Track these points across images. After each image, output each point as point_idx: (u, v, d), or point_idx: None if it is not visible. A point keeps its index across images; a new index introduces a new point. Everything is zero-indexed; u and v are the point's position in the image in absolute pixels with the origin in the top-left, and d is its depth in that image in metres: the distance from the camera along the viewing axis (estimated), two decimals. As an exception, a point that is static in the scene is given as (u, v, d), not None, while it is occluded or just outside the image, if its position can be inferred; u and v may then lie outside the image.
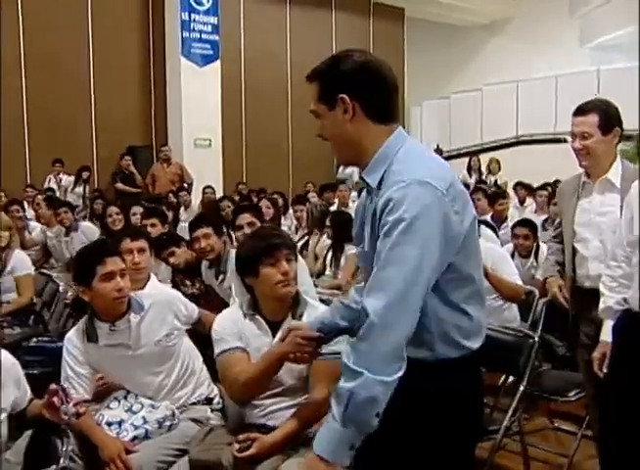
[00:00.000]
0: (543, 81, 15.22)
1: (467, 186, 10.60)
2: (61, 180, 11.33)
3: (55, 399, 2.33)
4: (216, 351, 2.68)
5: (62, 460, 2.39)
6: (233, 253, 3.66)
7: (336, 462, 1.71)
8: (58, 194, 10.71)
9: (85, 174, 11.51)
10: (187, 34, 12.74)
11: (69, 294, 4.67)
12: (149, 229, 4.97)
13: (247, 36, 14.27)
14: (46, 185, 11.16)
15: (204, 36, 12.93)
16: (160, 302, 3.07)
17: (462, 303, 1.86)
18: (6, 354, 2.55)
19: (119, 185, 11.16)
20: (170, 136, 12.99)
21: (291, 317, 2.67)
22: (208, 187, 10.97)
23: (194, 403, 3.02)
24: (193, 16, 12.80)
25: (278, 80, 14.56)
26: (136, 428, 2.72)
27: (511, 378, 3.44)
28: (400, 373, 1.69)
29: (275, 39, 14.67)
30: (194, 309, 3.23)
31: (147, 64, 13.27)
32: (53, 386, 2.41)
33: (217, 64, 13.08)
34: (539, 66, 15.61)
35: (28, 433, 2.58)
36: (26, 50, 11.77)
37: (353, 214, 2.18)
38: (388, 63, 1.91)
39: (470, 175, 12.31)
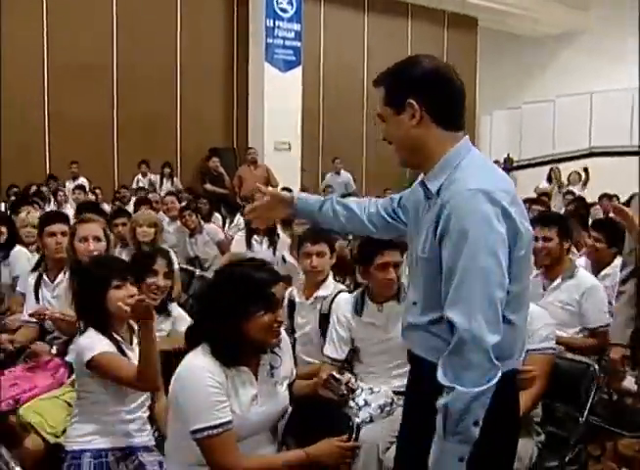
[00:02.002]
0: (618, 94, 15.22)
1: (547, 195, 10.71)
2: (150, 180, 11.71)
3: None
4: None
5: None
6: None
7: None
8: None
9: (167, 171, 11.91)
10: (271, 40, 13.08)
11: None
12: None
13: (326, 43, 14.57)
14: (134, 185, 11.54)
15: (287, 43, 13.26)
16: None
17: (510, 314, 1.85)
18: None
19: (208, 186, 11.47)
20: (251, 139, 13.33)
21: None
22: (286, 189, 11.24)
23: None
24: (277, 22, 13.14)
25: (354, 87, 14.81)
26: (360, 409, 2.88)
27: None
28: (495, 380, 1.72)
29: (353, 47, 14.94)
30: None
31: (230, 68, 13.66)
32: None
33: (299, 69, 13.39)
34: (614, 78, 15.59)
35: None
36: (119, 55, 12.25)
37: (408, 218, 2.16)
38: (461, 72, 1.95)
39: (550, 185, 12.40)
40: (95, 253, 3.64)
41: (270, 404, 2.31)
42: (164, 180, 11.99)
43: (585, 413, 2.91)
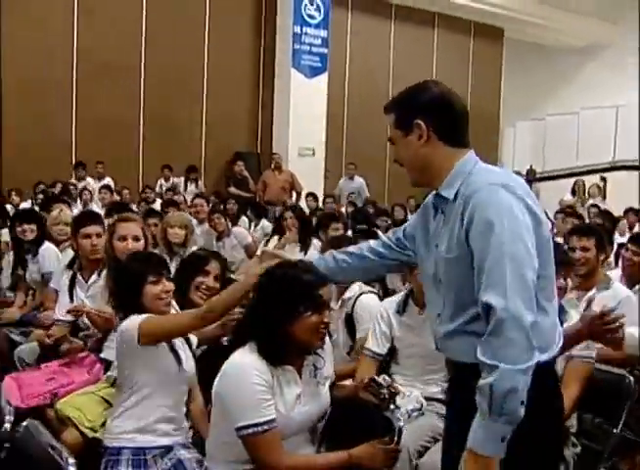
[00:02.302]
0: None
1: (571, 208, 10.66)
2: (173, 183, 11.77)
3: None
4: None
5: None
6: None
7: (492, 455, 1.78)
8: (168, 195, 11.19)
9: (193, 175, 11.98)
10: (298, 46, 13.16)
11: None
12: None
13: (352, 50, 14.62)
14: (157, 188, 11.61)
15: (313, 49, 13.34)
16: None
17: (544, 301, 1.94)
18: None
19: (233, 189, 11.53)
20: (275, 144, 13.40)
21: None
22: (311, 194, 11.29)
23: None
24: (304, 29, 13.22)
25: (379, 94, 14.75)
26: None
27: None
28: (535, 359, 1.77)
29: (379, 54, 14.98)
30: None
31: (257, 73, 13.75)
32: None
33: (325, 76, 13.46)
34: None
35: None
36: (146, 56, 12.37)
37: (416, 238, 2.22)
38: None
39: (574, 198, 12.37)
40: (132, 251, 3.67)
41: (313, 404, 2.35)
42: (189, 183, 12.06)
43: (620, 426, 2.91)
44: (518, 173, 14.05)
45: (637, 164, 14.85)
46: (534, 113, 17.62)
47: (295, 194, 11.68)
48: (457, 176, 1.98)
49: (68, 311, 3.57)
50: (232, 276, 5.55)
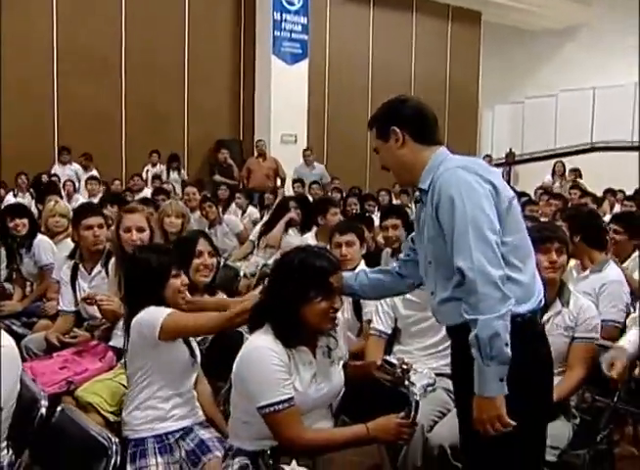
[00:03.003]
0: (621, 89, 15.36)
1: (551, 191, 10.79)
2: (160, 169, 11.81)
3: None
4: None
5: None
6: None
7: (495, 395, 2.07)
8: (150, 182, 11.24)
9: (175, 164, 12.00)
10: (278, 33, 13.19)
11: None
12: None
13: (332, 36, 14.64)
14: (144, 175, 11.63)
15: (294, 36, 13.37)
16: None
17: (515, 260, 2.19)
18: None
19: (217, 177, 11.58)
20: (258, 131, 13.43)
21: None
22: (298, 181, 11.38)
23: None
24: (284, 15, 13.24)
25: (360, 79, 14.93)
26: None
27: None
28: (509, 306, 2.06)
29: (358, 40, 15.02)
30: None
31: (238, 60, 13.75)
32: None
33: (305, 62, 13.50)
34: (616, 73, 15.73)
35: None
36: (127, 47, 12.34)
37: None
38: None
39: (553, 180, 12.52)
40: (138, 242, 3.69)
41: (327, 383, 2.44)
42: (171, 171, 12.08)
43: (615, 398, 3.02)
44: (491, 158, 14.24)
45: (615, 145, 15.04)
46: (513, 96, 17.78)
47: (279, 180, 11.74)
48: (430, 170, 2.27)
49: (84, 299, 3.59)
50: (229, 263, 5.65)
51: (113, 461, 1.87)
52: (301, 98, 13.36)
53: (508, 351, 2.04)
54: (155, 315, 2.68)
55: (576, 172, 12.35)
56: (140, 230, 3.78)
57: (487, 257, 2.06)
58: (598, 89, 15.91)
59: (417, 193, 2.36)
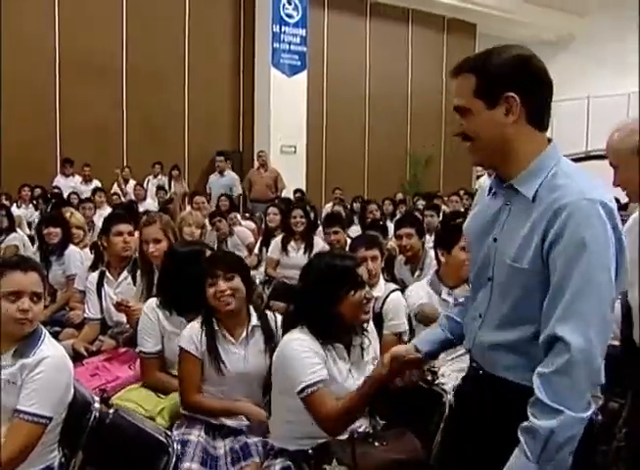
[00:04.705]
0: (614, 99, 15.53)
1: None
2: (161, 180, 11.89)
3: None
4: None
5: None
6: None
7: None
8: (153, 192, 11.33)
9: (175, 173, 12.08)
10: (277, 45, 13.33)
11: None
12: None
13: (330, 48, 14.80)
14: (145, 185, 11.71)
15: (292, 47, 13.51)
16: None
17: None
18: None
19: (217, 188, 11.64)
20: (257, 142, 13.55)
21: None
22: (299, 191, 11.55)
23: None
24: (283, 28, 13.38)
25: (357, 90, 15.09)
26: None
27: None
28: (593, 408, 1.65)
29: (355, 51, 15.19)
30: None
31: (237, 72, 13.89)
32: None
33: (304, 74, 13.64)
34: (610, 83, 15.92)
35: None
36: (128, 58, 12.45)
37: (469, 223, 2.00)
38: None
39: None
40: (155, 254, 3.78)
41: (361, 379, 2.55)
42: (173, 182, 12.16)
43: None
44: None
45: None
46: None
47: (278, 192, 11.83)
48: (539, 171, 1.73)
49: (117, 304, 3.64)
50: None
51: (174, 458, 1.95)
52: (300, 109, 13.49)
53: (571, 460, 1.63)
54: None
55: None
56: (156, 242, 3.86)
57: (601, 340, 1.63)
58: (592, 99, 16.09)
59: (496, 184, 1.85)
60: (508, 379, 1.78)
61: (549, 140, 1.79)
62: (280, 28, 13.36)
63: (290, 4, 13.43)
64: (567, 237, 1.63)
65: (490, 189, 1.88)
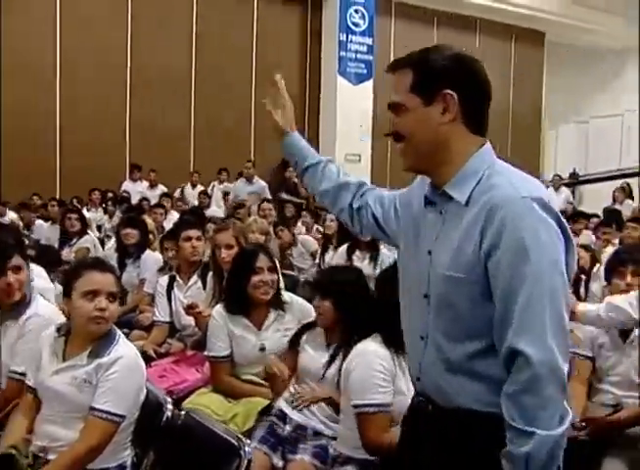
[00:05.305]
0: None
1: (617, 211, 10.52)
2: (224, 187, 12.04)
3: None
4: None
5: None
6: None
7: None
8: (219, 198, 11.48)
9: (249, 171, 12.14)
10: (344, 53, 13.37)
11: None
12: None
13: (396, 57, 14.68)
14: (209, 191, 11.87)
15: (359, 56, 13.53)
16: None
17: None
18: None
19: (284, 195, 11.73)
20: (322, 150, 13.55)
21: None
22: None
23: None
24: (350, 36, 13.42)
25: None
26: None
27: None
28: (570, 416, 1.52)
29: (422, 60, 15.07)
30: None
31: (303, 80, 13.99)
32: None
33: (370, 82, 13.63)
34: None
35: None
36: (197, 66, 12.70)
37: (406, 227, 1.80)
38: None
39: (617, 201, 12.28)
40: (226, 260, 3.80)
41: None
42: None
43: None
44: (557, 176, 14.12)
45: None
46: (577, 115, 17.59)
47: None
48: (472, 174, 1.61)
49: (188, 306, 3.67)
50: (308, 278, 5.74)
51: (245, 462, 1.97)
52: (366, 118, 13.49)
53: None
54: None
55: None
56: (229, 247, 3.89)
57: (560, 347, 1.49)
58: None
59: (430, 190, 1.69)
60: (465, 408, 1.61)
61: (483, 144, 1.67)
62: (347, 37, 13.40)
63: (357, 13, 13.46)
64: (505, 240, 1.50)
65: (426, 198, 1.71)
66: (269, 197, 10.81)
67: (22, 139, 10.71)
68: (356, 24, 13.50)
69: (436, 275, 1.61)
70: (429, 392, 1.69)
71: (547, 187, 13.90)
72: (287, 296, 3.40)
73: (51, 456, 2.32)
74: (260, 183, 11.18)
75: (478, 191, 1.57)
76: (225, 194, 11.32)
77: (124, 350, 2.41)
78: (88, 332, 2.40)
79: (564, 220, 1.56)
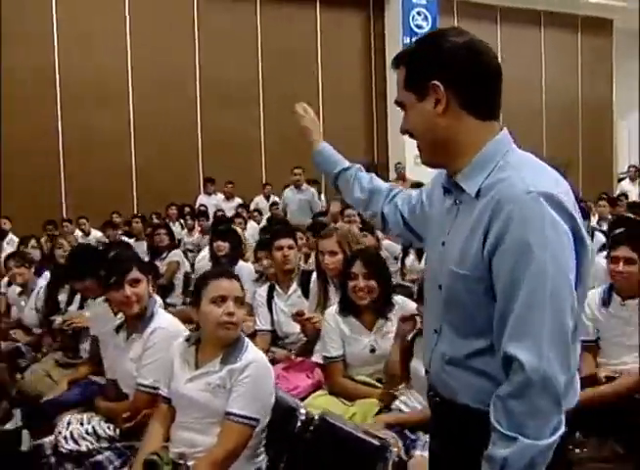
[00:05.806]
0: None
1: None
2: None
3: None
4: None
5: None
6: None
7: None
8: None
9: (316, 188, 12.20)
10: (408, 56, 13.30)
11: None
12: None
13: (461, 56, 14.63)
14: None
15: (424, 58, 13.45)
16: None
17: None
18: None
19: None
20: (392, 154, 13.59)
21: None
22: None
23: None
24: (413, 39, 13.32)
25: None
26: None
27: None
28: (561, 430, 1.43)
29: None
30: None
31: (369, 84, 14.07)
32: None
33: (435, 83, 13.54)
34: None
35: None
36: (264, 78, 12.89)
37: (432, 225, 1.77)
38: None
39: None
40: (330, 266, 3.83)
41: None
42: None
43: None
44: (633, 167, 13.73)
45: None
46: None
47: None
48: (484, 164, 1.54)
49: (297, 313, 3.70)
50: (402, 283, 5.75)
51: (391, 461, 1.98)
52: (433, 119, 13.41)
53: None
54: None
55: None
56: (332, 254, 3.88)
57: (559, 356, 1.41)
58: None
59: (446, 179, 1.66)
60: (467, 404, 1.59)
61: (498, 130, 1.60)
62: (410, 40, 13.36)
63: (419, 15, 13.45)
64: (509, 239, 1.43)
65: (444, 187, 1.68)
66: (319, 207, 10.44)
67: (100, 162, 11.18)
68: (419, 27, 13.49)
69: (446, 269, 1.58)
70: (435, 384, 1.69)
71: (623, 179, 13.58)
72: (398, 298, 3.42)
73: (190, 462, 2.39)
74: (310, 190, 10.60)
75: (487, 184, 1.51)
76: (273, 204, 11.16)
77: (254, 355, 2.48)
78: (218, 338, 2.48)
79: (578, 219, 1.46)
